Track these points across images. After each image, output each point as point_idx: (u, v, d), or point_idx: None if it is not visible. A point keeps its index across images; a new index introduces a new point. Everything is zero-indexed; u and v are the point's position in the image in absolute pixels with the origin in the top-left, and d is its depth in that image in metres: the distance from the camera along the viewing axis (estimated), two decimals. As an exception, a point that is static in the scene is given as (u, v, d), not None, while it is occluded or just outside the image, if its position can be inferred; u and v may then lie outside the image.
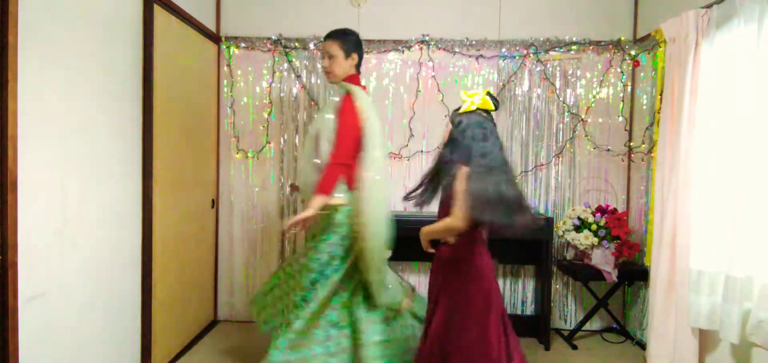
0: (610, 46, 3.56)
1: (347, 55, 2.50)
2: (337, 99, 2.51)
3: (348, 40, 2.51)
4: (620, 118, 3.62)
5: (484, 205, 1.86)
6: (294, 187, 3.03)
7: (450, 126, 2.09)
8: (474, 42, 3.57)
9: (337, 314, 2.41)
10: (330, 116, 2.46)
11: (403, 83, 3.66)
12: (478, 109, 2.06)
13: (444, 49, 3.60)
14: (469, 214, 1.89)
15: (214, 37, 3.58)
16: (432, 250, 2.15)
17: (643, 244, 3.36)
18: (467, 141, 1.98)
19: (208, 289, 3.61)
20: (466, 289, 2.00)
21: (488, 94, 2.08)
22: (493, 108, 2.07)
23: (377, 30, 3.62)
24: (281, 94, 3.69)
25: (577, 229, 3.36)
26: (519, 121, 3.66)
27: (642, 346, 3.33)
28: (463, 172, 1.94)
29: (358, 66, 2.57)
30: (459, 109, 2.09)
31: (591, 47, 3.57)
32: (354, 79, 2.54)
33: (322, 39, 3.53)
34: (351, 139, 2.39)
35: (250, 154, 3.72)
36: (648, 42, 3.36)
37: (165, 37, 2.80)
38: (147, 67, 2.66)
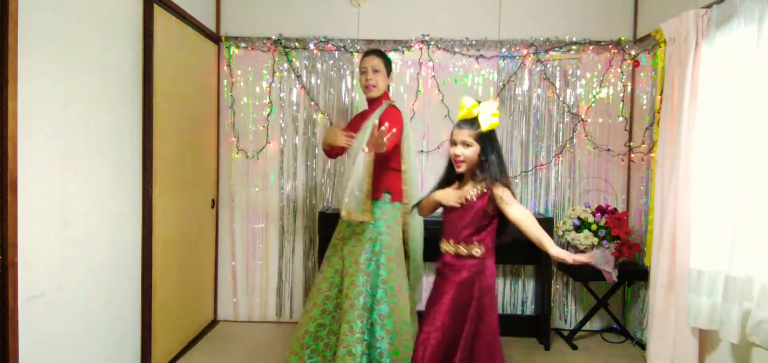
0: (610, 46, 3.56)
1: (388, 73, 2.65)
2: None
3: (388, 61, 2.66)
4: (620, 118, 3.62)
5: None
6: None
7: (473, 139, 1.98)
8: (474, 42, 3.57)
9: None
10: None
11: (403, 83, 3.66)
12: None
13: (444, 49, 3.60)
14: None
15: (214, 37, 3.57)
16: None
17: (643, 244, 3.36)
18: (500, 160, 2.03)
19: (208, 289, 3.61)
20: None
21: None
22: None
23: (377, 30, 3.62)
24: (281, 94, 3.69)
25: (577, 229, 3.36)
26: (519, 121, 3.66)
27: (642, 346, 3.33)
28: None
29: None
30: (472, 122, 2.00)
31: (591, 47, 3.57)
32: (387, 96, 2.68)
33: (322, 39, 3.59)
34: (391, 144, 2.44)
35: (250, 154, 3.72)
36: (648, 42, 3.36)
37: (165, 37, 2.80)
38: (147, 67, 2.66)
